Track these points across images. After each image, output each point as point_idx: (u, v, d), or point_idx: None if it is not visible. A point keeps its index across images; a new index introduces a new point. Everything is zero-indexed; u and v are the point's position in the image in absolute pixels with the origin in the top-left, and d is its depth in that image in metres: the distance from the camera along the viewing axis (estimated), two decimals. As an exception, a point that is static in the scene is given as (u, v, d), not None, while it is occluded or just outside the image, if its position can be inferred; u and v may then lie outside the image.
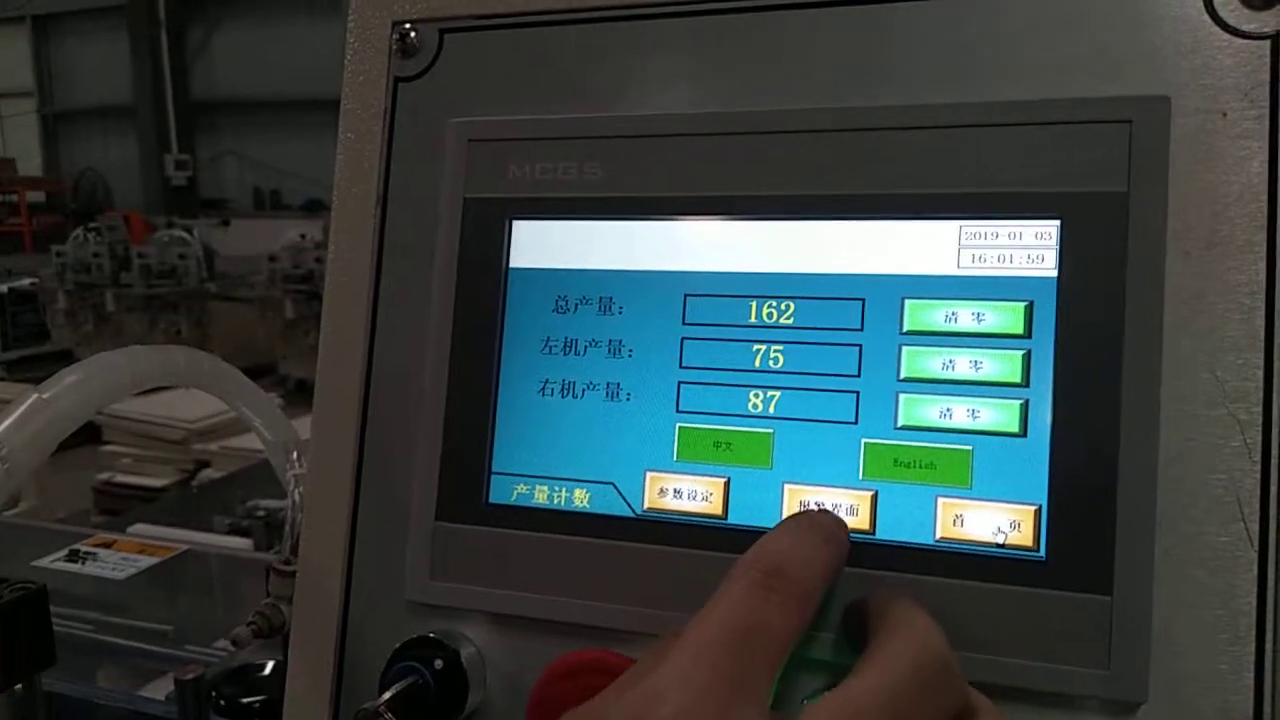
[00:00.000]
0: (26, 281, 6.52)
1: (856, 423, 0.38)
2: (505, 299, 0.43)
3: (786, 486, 0.39)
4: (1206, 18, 0.37)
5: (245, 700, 0.71)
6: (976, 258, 0.38)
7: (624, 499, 0.41)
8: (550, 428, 0.42)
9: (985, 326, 0.37)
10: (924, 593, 0.36)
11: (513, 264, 0.43)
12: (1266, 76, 0.36)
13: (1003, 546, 0.36)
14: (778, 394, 0.39)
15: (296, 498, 0.58)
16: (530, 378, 0.42)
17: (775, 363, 0.40)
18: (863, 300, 0.39)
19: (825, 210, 0.40)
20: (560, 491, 0.41)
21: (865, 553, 0.37)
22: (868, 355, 0.38)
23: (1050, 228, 0.37)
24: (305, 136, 11.22)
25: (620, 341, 0.41)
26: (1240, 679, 0.35)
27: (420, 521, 0.43)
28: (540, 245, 0.43)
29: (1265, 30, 0.36)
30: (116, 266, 6.37)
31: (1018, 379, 0.37)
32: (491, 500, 0.42)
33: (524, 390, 0.42)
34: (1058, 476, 0.36)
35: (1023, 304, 0.37)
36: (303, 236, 6.07)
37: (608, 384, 0.41)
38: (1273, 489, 0.35)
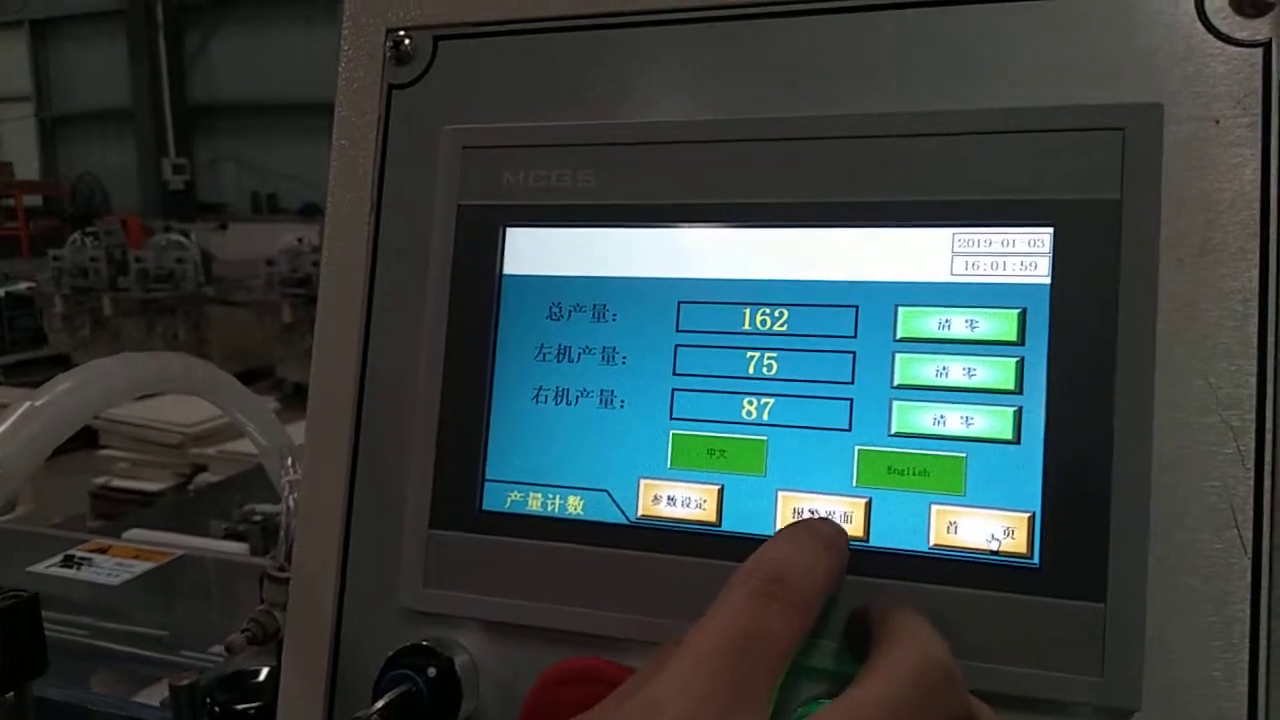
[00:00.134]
0: (23, 286, 6.52)
1: (850, 430, 0.38)
2: (499, 306, 0.43)
3: (780, 494, 0.39)
4: (1199, 25, 0.37)
5: (240, 707, 0.70)
6: (970, 265, 0.38)
7: (618, 506, 0.40)
8: (544, 435, 0.42)
9: (978, 333, 0.37)
10: (917, 600, 0.36)
11: (506, 271, 0.43)
12: (1259, 84, 0.36)
13: (996, 554, 0.36)
14: (771, 401, 0.39)
15: (291, 504, 0.58)
16: (524, 385, 0.42)
17: (769, 370, 0.40)
18: (856, 307, 0.39)
19: (819, 217, 0.40)
20: (554, 499, 0.41)
21: (859, 560, 0.37)
22: (861, 362, 0.38)
23: (1043, 235, 0.37)
24: (303, 140, 11.22)
25: (614, 348, 0.41)
26: (1234, 686, 0.35)
27: (414, 528, 0.43)
28: (534, 252, 0.43)
29: (1258, 38, 0.36)
30: (114, 270, 6.37)
31: (1011, 386, 0.37)
32: (485, 507, 0.42)
33: (518, 397, 0.42)
34: (1051, 483, 0.36)
35: (1016, 311, 0.37)
36: (300, 240, 6.06)
37: (601, 391, 0.41)
38: (1266, 496, 0.35)
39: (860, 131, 0.39)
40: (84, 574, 1.23)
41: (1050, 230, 0.37)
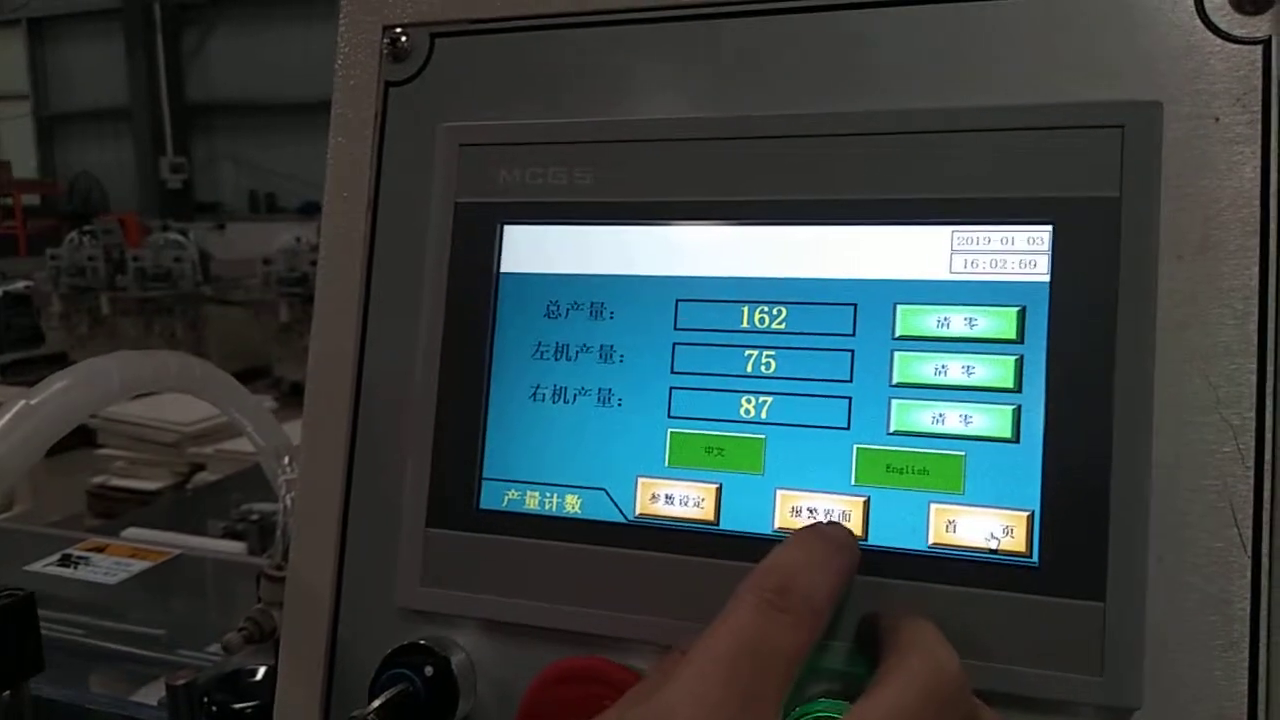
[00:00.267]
0: (21, 284, 6.51)
1: (849, 428, 0.38)
2: (496, 304, 0.43)
3: (779, 492, 0.39)
4: (1199, 23, 0.37)
5: (237, 706, 0.70)
6: (969, 263, 0.38)
7: (615, 505, 0.40)
8: (541, 433, 0.42)
9: (977, 332, 0.37)
10: (916, 599, 0.36)
11: (504, 269, 0.43)
12: (1258, 82, 0.36)
13: (995, 552, 0.36)
14: (770, 399, 0.39)
15: (288, 503, 0.58)
16: (521, 383, 0.42)
17: (767, 368, 0.39)
18: (855, 305, 0.39)
19: (817, 215, 0.39)
20: (551, 497, 0.41)
21: (857, 559, 0.37)
22: (860, 360, 0.38)
23: (1043, 233, 0.37)
24: (301, 139, 11.21)
25: (612, 347, 0.41)
26: (1234, 685, 0.34)
27: (411, 527, 0.43)
28: (531, 250, 0.43)
29: (1257, 35, 0.36)
30: (111, 270, 6.36)
31: (1010, 384, 0.37)
32: (482, 506, 0.42)
33: (515, 395, 0.42)
34: (1050, 482, 0.36)
35: (1015, 309, 0.37)
36: (298, 239, 6.06)
37: (599, 389, 0.41)
38: (1266, 494, 0.35)
39: (860, 129, 0.39)
40: (81, 573, 1.23)
41: (1049, 228, 0.37)
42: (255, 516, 1.79)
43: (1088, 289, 0.36)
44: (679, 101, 0.42)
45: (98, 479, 3.40)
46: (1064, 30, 0.38)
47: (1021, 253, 0.37)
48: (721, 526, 0.39)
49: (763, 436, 0.39)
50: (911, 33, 0.40)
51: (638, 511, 0.40)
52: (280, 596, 0.49)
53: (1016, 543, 0.36)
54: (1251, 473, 0.35)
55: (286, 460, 0.62)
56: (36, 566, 1.25)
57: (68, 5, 12.68)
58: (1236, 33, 0.36)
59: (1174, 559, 0.35)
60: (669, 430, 0.40)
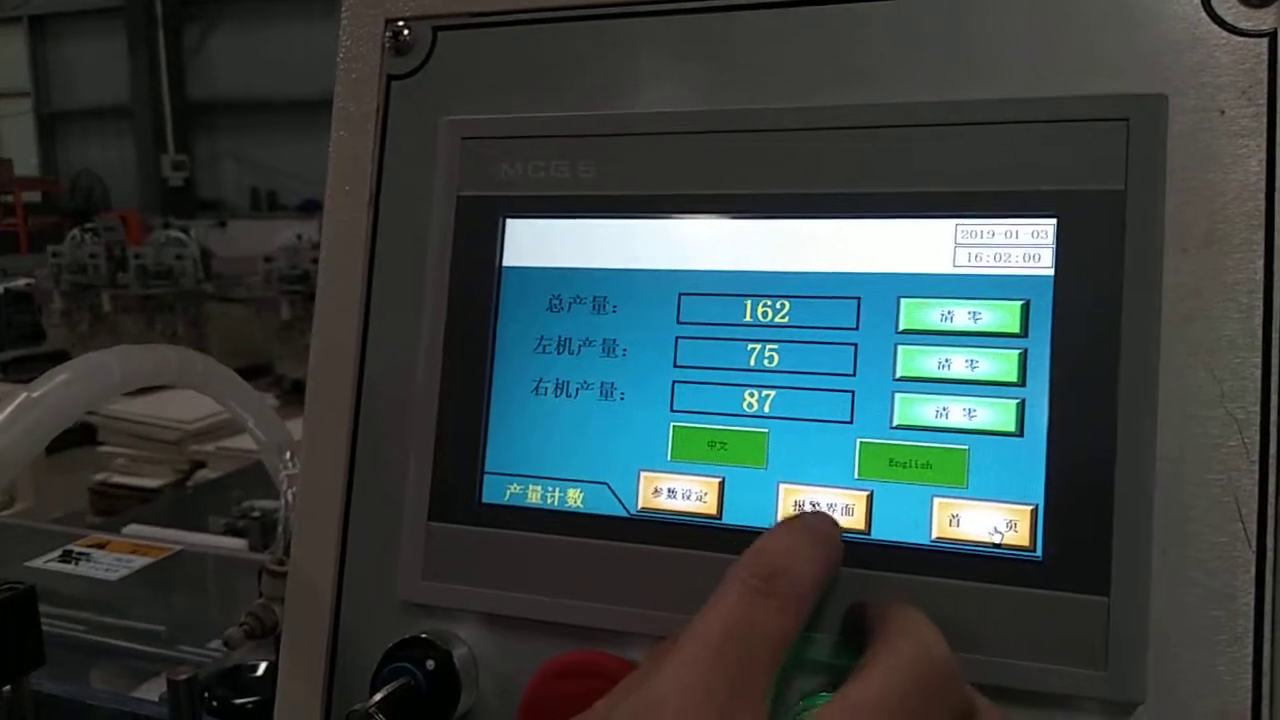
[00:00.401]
0: (22, 282, 6.51)
1: (852, 422, 0.38)
2: (498, 297, 0.43)
3: (781, 486, 0.39)
4: (1204, 15, 0.37)
5: (238, 701, 0.70)
6: (972, 256, 0.38)
7: (618, 499, 0.40)
8: (544, 427, 0.42)
9: (981, 325, 0.37)
10: (920, 593, 0.36)
11: (506, 262, 0.43)
12: (1264, 74, 0.36)
13: (999, 546, 0.36)
14: (772, 393, 0.39)
15: (289, 498, 0.58)
16: (524, 377, 0.42)
17: (770, 362, 0.39)
18: (858, 299, 0.38)
19: (820, 208, 0.39)
20: (554, 491, 0.41)
21: (861, 553, 0.37)
22: (863, 354, 0.38)
23: (1047, 226, 0.37)
24: (302, 137, 11.21)
25: (614, 340, 0.41)
26: (1238, 680, 0.34)
27: (413, 521, 0.43)
28: (534, 244, 0.43)
29: (1263, 28, 0.36)
30: (113, 267, 6.36)
31: (1014, 378, 0.37)
32: (485, 500, 0.42)
33: (517, 389, 0.42)
34: (1054, 476, 0.36)
35: (1019, 303, 0.37)
36: (299, 237, 6.06)
37: (602, 383, 0.41)
38: (1270, 489, 0.35)
39: (863, 122, 0.39)
40: (82, 569, 1.23)
41: (1054, 221, 0.37)
42: (256, 513, 1.79)
43: (1092, 282, 0.36)
44: (682, 95, 0.42)
45: (99, 476, 3.40)
46: (1068, 23, 0.38)
47: (1026, 246, 0.37)
48: (724, 520, 0.39)
49: (765, 430, 0.39)
50: (915, 25, 0.40)
51: (640, 505, 0.40)
52: (281, 591, 0.49)
53: (1020, 537, 0.36)
54: (1256, 467, 0.35)
55: (288, 455, 0.62)
56: (38, 562, 1.25)
57: (69, 2, 12.68)
58: (1242, 25, 0.36)
59: (1178, 553, 0.35)
60: (671, 424, 0.40)
